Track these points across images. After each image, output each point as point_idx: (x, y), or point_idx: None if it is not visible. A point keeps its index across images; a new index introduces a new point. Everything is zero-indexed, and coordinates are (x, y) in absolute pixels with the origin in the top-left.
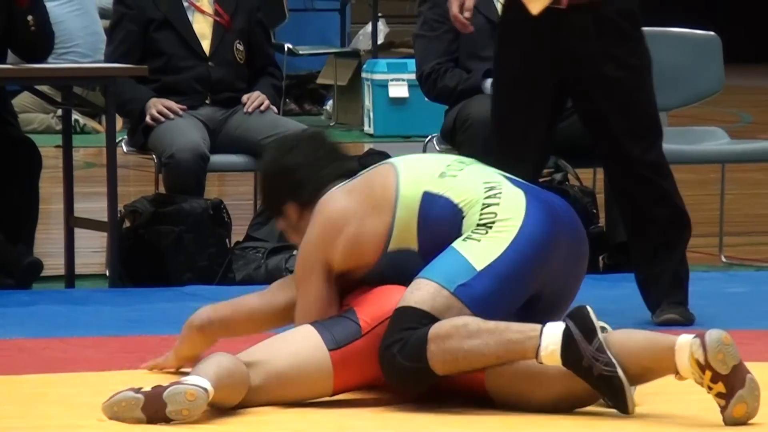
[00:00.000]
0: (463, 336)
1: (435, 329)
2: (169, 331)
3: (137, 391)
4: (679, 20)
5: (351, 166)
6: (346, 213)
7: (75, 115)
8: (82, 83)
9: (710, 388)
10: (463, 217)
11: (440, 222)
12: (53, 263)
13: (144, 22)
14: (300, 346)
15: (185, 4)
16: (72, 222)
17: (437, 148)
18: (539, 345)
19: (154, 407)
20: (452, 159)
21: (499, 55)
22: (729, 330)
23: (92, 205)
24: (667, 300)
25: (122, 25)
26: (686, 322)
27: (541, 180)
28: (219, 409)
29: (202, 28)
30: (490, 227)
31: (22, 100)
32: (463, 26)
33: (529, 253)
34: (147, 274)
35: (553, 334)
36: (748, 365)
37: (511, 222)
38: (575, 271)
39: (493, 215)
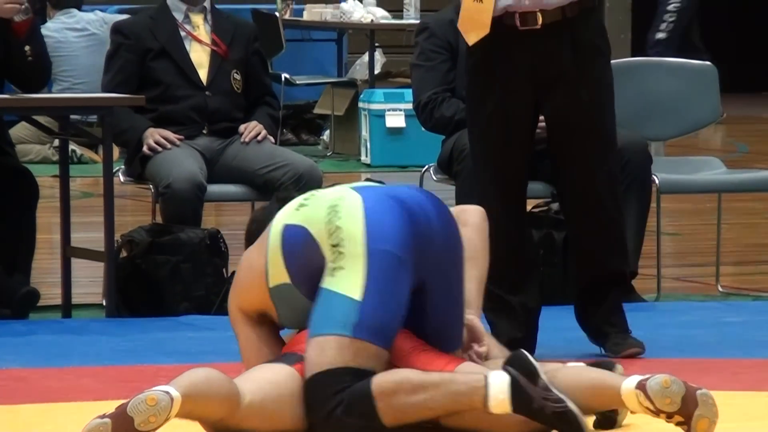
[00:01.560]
0: (408, 391)
1: (378, 386)
2: (165, 361)
3: (103, 416)
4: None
5: None
6: (245, 259)
7: (72, 146)
8: (80, 113)
9: (669, 421)
10: (318, 243)
11: (302, 252)
12: (50, 293)
13: (141, 51)
14: (270, 368)
15: (182, 33)
16: (69, 252)
17: (434, 178)
18: (487, 395)
19: (123, 426)
20: (323, 189)
21: (474, 85)
22: (725, 359)
23: (89, 234)
24: (615, 329)
25: (119, 54)
26: (643, 350)
27: (537, 210)
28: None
29: (200, 57)
30: (342, 246)
31: (19, 130)
32: None
33: (386, 251)
34: (144, 304)
35: (499, 383)
36: (745, 395)
37: (355, 231)
38: (450, 253)
39: (339, 232)
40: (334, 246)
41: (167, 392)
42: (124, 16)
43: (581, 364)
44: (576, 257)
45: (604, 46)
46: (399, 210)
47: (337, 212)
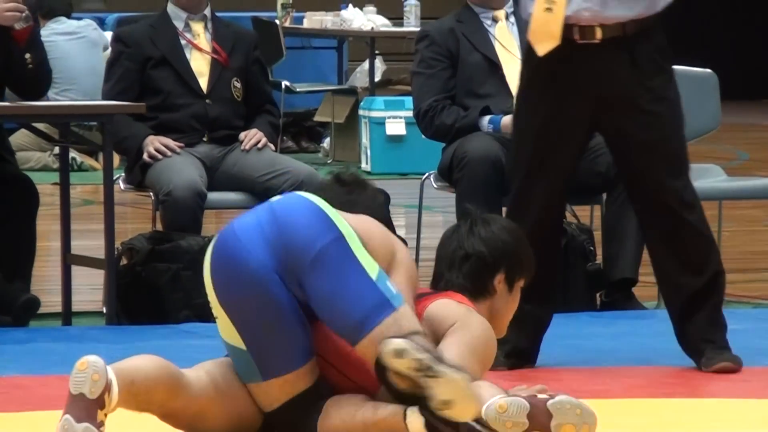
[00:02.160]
0: (346, 421)
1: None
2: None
3: (62, 417)
4: (676, 57)
5: None
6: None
7: (72, 153)
8: (80, 121)
9: None
10: None
11: None
12: (50, 300)
13: (142, 59)
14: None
15: (183, 42)
16: (69, 259)
17: (434, 186)
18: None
19: (76, 409)
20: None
21: (526, 97)
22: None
23: (89, 242)
24: (711, 345)
25: (120, 62)
26: (737, 367)
27: None
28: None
29: (200, 65)
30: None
31: (19, 138)
32: None
33: (233, 301)
34: (144, 312)
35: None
36: (745, 402)
37: (207, 282)
38: (303, 259)
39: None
40: None
41: (95, 361)
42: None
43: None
44: (661, 276)
45: (666, 63)
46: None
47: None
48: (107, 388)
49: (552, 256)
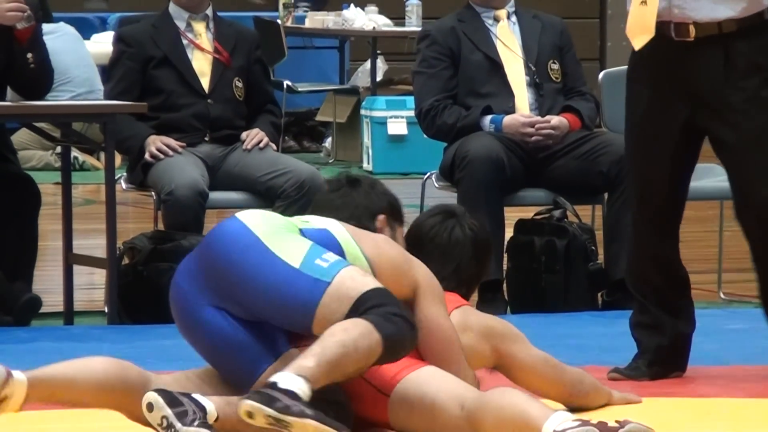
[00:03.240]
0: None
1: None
2: (167, 368)
3: None
4: None
5: None
6: None
7: (74, 152)
8: (82, 120)
9: None
10: None
11: None
12: (52, 300)
13: (143, 59)
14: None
15: (184, 41)
16: (71, 259)
17: (436, 186)
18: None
19: None
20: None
21: (628, 93)
22: (728, 366)
23: (91, 242)
24: None
25: (121, 62)
26: None
27: (539, 217)
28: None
29: (202, 65)
30: None
31: (21, 137)
32: None
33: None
34: (146, 311)
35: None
36: (747, 401)
37: None
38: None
39: None
40: None
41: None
42: None
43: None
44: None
45: (762, 62)
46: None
47: None
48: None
49: (663, 258)
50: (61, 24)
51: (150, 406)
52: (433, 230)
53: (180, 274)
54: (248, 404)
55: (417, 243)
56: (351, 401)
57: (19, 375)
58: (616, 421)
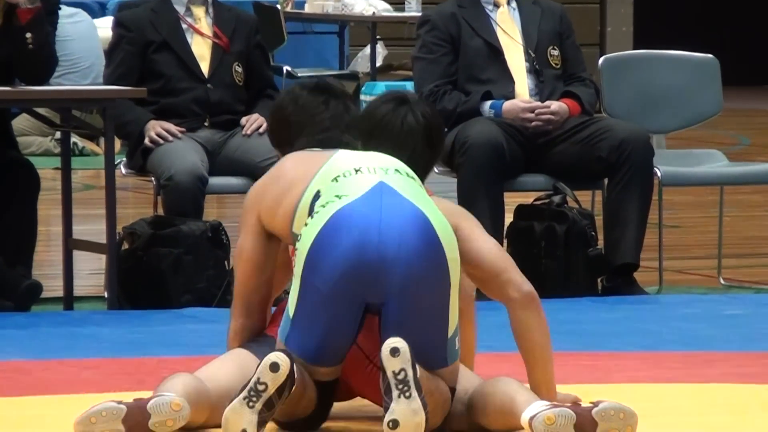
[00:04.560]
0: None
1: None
2: (167, 353)
3: (119, 402)
4: (679, 43)
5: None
6: (283, 171)
7: (74, 138)
8: (81, 106)
9: None
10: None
11: None
12: (52, 285)
13: (143, 44)
14: (242, 362)
15: (184, 26)
16: (71, 244)
17: (436, 171)
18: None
19: (136, 418)
20: (362, 165)
21: None
22: (727, 351)
23: (91, 227)
24: None
25: (121, 47)
26: None
27: (539, 202)
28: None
29: (201, 50)
30: (295, 256)
31: (20, 123)
32: None
33: (314, 285)
34: (145, 296)
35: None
36: (746, 387)
37: (301, 252)
38: (422, 281)
39: (298, 240)
40: (294, 248)
41: (184, 402)
42: None
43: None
44: None
45: None
46: (350, 239)
47: (318, 213)
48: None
49: None
50: (80, 11)
51: (395, 351)
52: (386, 118)
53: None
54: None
55: (370, 131)
56: (352, 378)
57: (187, 406)
58: (591, 402)
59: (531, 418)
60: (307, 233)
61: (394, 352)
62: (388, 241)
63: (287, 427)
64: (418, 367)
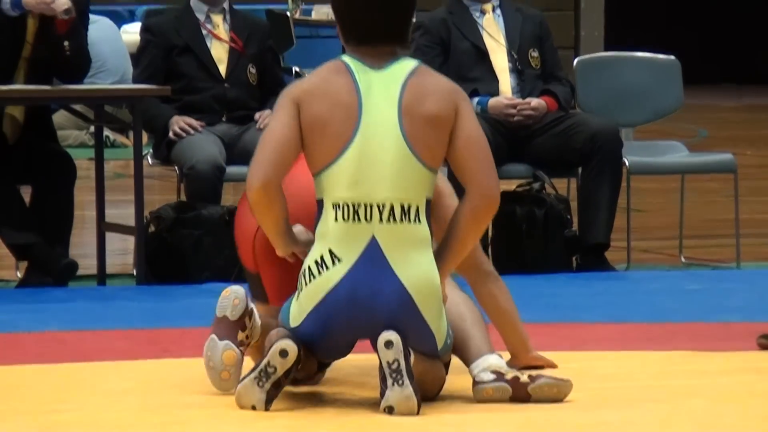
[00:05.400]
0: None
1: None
2: (190, 324)
3: (208, 336)
4: (645, 45)
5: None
6: (331, 92)
7: (106, 131)
8: (113, 103)
9: None
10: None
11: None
12: (87, 264)
13: (167, 48)
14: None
15: (204, 31)
16: (103, 227)
17: None
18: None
19: (220, 329)
20: (360, 200)
21: None
22: (687, 322)
23: (121, 211)
24: None
25: (148, 50)
26: None
27: (520, 189)
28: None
29: (219, 53)
30: (309, 280)
31: (58, 118)
32: None
33: (316, 334)
34: (170, 273)
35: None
36: (704, 354)
37: (309, 298)
38: (407, 338)
39: (317, 268)
40: (312, 266)
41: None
42: None
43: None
44: None
45: None
46: (343, 317)
47: (318, 279)
48: (247, 312)
49: None
50: (102, 18)
51: (389, 344)
52: None
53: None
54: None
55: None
56: None
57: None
58: (529, 376)
59: (474, 384)
60: (311, 294)
61: (388, 344)
62: (375, 318)
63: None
64: (411, 352)
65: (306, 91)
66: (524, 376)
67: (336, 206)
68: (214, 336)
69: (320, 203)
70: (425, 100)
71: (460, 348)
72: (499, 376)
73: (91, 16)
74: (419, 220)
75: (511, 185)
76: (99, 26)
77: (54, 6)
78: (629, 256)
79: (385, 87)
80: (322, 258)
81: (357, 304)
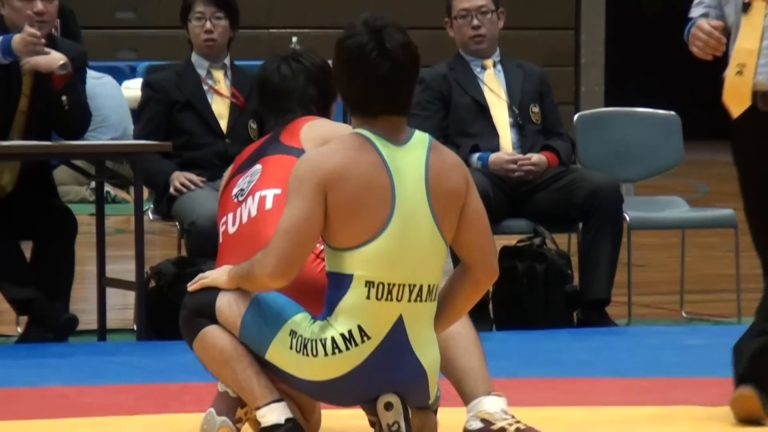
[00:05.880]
0: (215, 357)
1: (204, 332)
2: (190, 380)
3: (207, 409)
4: (645, 102)
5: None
6: (373, 168)
7: (107, 187)
8: (114, 158)
9: None
10: (344, 294)
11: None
12: (87, 318)
13: (169, 103)
14: None
15: (205, 87)
16: (104, 282)
17: None
18: (259, 409)
19: (219, 404)
20: (396, 281)
21: (734, 158)
22: (689, 377)
23: (122, 266)
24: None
25: (149, 106)
26: None
27: (521, 244)
28: None
29: (220, 108)
30: (334, 352)
31: (60, 173)
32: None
33: (327, 394)
34: (170, 329)
35: (275, 416)
36: (705, 409)
37: (326, 369)
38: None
39: (333, 340)
40: (319, 336)
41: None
42: None
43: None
44: None
45: None
46: (361, 392)
47: (345, 353)
48: None
49: None
50: (106, 76)
51: (389, 406)
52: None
53: None
54: (393, 397)
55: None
56: None
57: None
58: (517, 429)
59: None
60: (333, 365)
61: (388, 406)
62: (387, 389)
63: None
64: (408, 408)
65: (333, 173)
66: (512, 429)
67: (369, 284)
68: (212, 410)
69: (343, 276)
70: (446, 178)
71: (457, 384)
72: (487, 425)
73: (97, 73)
74: (435, 297)
75: (511, 240)
76: (103, 81)
77: (49, 63)
78: (630, 311)
79: (411, 166)
80: (350, 333)
81: (376, 379)
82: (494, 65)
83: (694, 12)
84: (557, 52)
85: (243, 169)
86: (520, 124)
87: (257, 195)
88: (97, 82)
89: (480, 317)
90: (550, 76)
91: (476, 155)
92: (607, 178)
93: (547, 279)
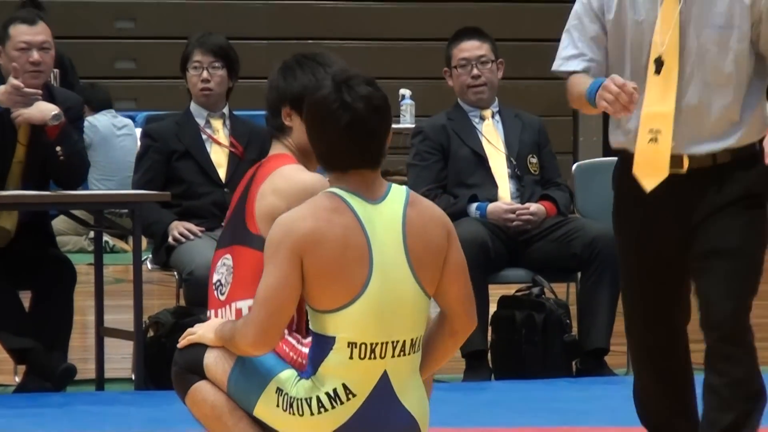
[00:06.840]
0: (207, 414)
1: (195, 388)
2: (188, 429)
3: None
4: None
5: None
6: (349, 230)
7: (105, 237)
8: (112, 208)
9: None
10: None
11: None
12: (85, 368)
13: (167, 153)
14: None
15: (204, 136)
16: (102, 332)
17: None
18: None
19: None
20: (376, 340)
21: (615, 215)
22: None
23: (120, 316)
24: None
25: (148, 155)
26: None
27: (519, 293)
28: None
29: (219, 158)
30: (319, 411)
31: (58, 224)
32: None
33: None
34: (169, 379)
35: None
36: None
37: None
38: None
39: (320, 406)
40: (305, 398)
41: None
42: None
43: None
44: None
45: (762, 194)
46: None
47: (330, 412)
48: None
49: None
50: (130, 123)
51: None
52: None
53: None
54: None
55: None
56: None
57: None
58: None
59: None
60: (321, 424)
61: None
62: None
63: None
64: None
65: (308, 238)
66: None
67: (352, 345)
68: None
69: (325, 338)
70: (424, 233)
71: None
72: None
73: (123, 120)
74: (419, 348)
75: (510, 290)
76: (124, 132)
77: (41, 114)
78: (629, 361)
79: (387, 224)
80: (335, 392)
81: None
82: (492, 116)
83: (570, 65)
84: (555, 102)
85: (230, 220)
86: (518, 175)
87: (233, 306)
88: (123, 131)
89: (478, 366)
90: (548, 125)
91: (474, 205)
92: (606, 227)
93: (546, 328)
